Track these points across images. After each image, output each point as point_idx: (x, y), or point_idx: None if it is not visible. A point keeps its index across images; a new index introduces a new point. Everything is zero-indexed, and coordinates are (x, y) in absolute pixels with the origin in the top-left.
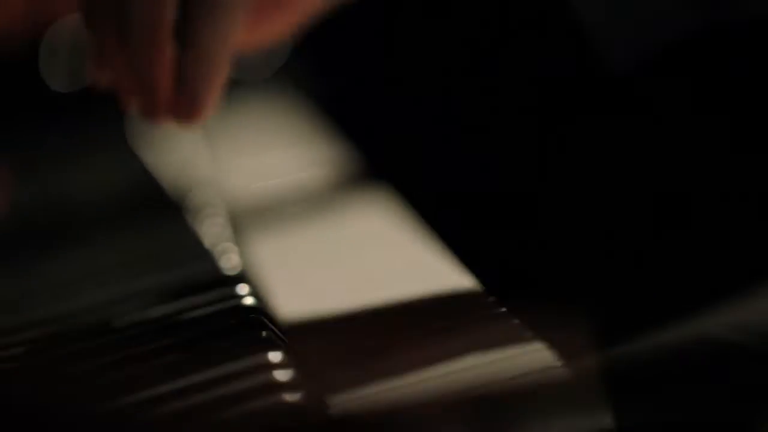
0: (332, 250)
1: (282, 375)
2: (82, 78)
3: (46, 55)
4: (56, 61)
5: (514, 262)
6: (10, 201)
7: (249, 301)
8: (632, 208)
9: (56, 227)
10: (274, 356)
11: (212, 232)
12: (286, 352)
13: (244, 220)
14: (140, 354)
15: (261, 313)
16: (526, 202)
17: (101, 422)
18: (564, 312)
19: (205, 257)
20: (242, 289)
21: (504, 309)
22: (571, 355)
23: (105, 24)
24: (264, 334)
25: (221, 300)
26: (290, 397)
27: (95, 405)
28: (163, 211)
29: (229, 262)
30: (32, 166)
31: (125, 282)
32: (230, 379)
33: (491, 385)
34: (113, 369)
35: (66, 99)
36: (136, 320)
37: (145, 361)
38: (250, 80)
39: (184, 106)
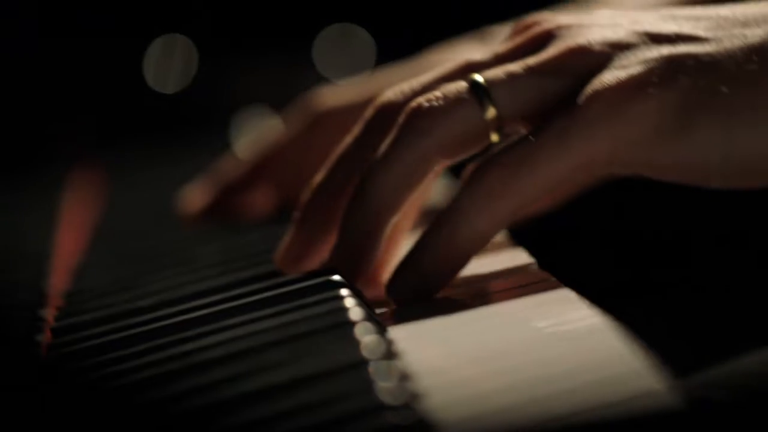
0: None
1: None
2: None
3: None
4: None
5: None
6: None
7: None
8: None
9: (160, 240)
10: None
11: None
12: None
13: None
14: (247, 372)
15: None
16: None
17: None
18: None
19: None
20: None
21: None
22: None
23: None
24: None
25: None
26: (395, 417)
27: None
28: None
29: None
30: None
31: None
32: (329, 391)
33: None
34: (221, 387)
35: (168, 107)
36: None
37: (251, 377)
38: None
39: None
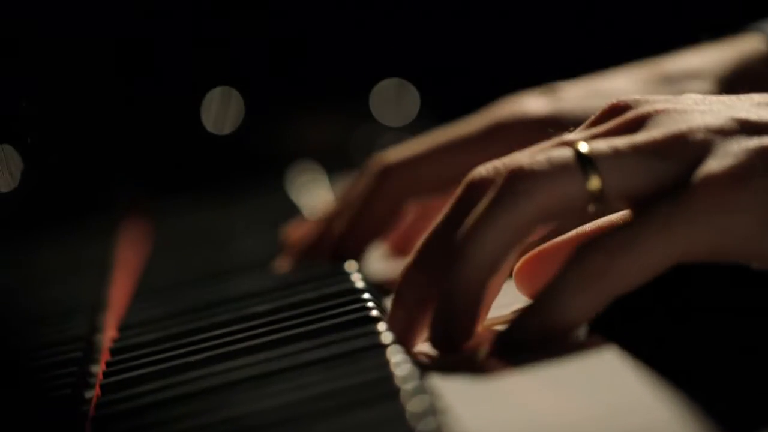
0: None
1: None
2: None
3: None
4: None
5: None
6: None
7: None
8: None
9: (210, 292)
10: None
11: None
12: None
13: None
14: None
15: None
16: None
17: None
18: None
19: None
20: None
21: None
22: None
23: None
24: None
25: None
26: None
27: None
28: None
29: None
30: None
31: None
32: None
33: None
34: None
35: (220, 157)
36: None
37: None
38: None
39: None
